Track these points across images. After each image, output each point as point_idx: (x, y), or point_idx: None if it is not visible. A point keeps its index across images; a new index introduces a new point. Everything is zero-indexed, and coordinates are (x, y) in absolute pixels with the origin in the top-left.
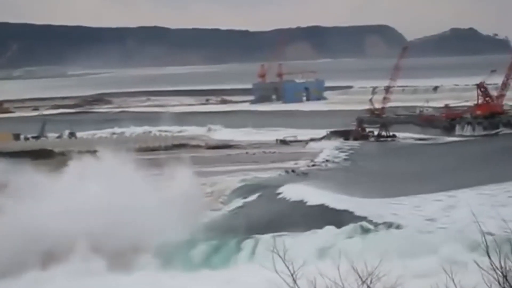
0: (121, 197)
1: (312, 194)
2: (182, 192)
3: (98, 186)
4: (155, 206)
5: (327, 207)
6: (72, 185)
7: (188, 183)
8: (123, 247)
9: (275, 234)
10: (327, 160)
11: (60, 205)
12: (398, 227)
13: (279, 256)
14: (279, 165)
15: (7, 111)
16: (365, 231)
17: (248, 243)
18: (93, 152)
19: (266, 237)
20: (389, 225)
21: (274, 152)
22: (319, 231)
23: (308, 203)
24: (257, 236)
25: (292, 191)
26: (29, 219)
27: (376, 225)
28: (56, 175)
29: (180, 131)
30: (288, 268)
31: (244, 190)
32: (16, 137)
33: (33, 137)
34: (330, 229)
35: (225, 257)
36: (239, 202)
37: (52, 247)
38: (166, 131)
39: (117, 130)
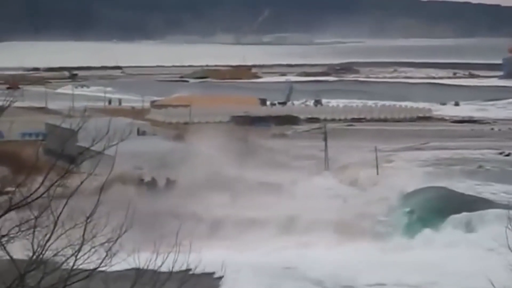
0: None
1: None
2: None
3: None
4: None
5: None
6: None
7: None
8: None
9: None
10: None
11: None
12: None
13: None
14: None
15: (255, 76)
16: None
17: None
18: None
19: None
20: None
21: None
22: None
23: None
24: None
25: None
26: None
27: None
28: None
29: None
30: None
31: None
32: (263, 102)
33: (279, 103)
34: None
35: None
36: None
37: None
38: (403, 104)
39: (357, 101)
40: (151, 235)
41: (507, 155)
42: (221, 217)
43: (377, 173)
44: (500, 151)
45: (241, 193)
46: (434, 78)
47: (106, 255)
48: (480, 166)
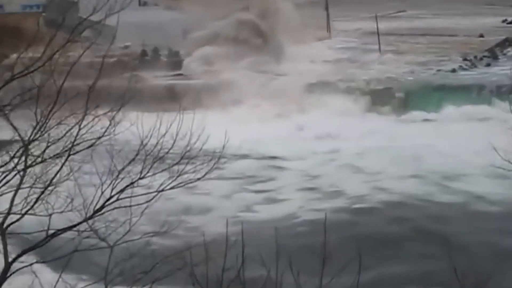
0: None
1: None
2: None
3: None
4: None
5: None
6: None
7: None
8: None
9: None
10: None
11: None
12: None
13: None
14: None
15: None
16: None
17: None
18: None
19: None
20: None
21: None
22: None
23: None
24: None
25: None
26: None
27: None
28: None
29: None
30: None
31: None
32: None
33: None
34: None
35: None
36: None
37: None
38: None
39: None
40: (154, 106)
41: (510, 23)
42: (228, 83)
43: (379, 50)
44: (503, 18)
45: (242, 56)
46: None
47: (110, 124)
48: (480, 35)
